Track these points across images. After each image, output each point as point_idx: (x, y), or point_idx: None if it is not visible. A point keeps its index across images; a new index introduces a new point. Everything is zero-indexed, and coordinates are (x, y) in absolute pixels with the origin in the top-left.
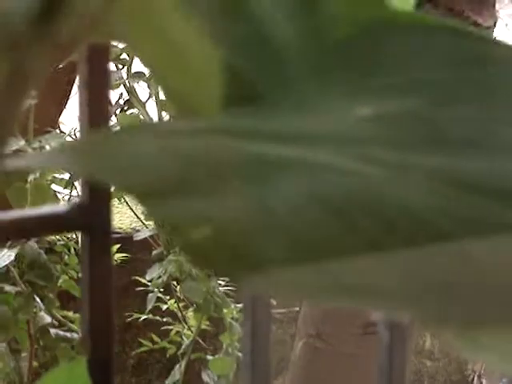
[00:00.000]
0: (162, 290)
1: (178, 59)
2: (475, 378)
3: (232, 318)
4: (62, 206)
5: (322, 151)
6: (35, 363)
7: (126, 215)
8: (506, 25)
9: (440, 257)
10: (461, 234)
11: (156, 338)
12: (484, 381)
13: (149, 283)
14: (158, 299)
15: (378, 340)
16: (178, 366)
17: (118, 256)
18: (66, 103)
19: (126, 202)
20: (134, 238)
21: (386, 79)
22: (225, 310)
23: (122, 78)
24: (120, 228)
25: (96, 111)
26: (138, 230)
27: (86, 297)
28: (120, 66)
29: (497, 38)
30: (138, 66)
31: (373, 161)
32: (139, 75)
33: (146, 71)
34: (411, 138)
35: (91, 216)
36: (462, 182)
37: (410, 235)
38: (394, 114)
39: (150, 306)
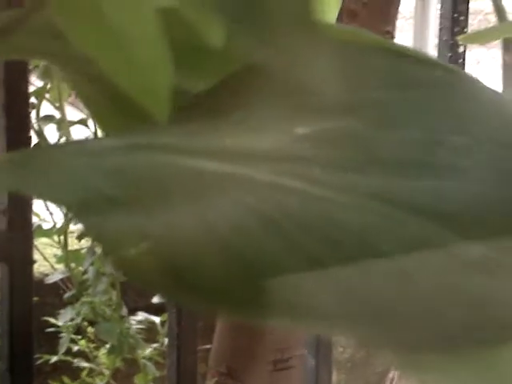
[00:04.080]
0: (72, 331)
1: (122, 48)
2: None
3: (144, 358)
4: None
5: (261, 169)
6: None
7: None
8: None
9: (378, 274)
10: (398, 252)
11: (67, 380)
12: None
13: (59, 325)
14: (70, 341)
15: (288, 375)
16: None
17: None
18: None
19: (34, 246)
20: (46, 282)
21: (321, 100)
22: (138, 351)
23: (31, 121)
24: None
25: (15, 138)
26: (46, 274)
27: (6, 330)
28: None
29: (431, 59)
30: (47, 109)
31: (312, 180)
32: (49, 118)
33: (56, 114)
34: (349, 158)
35: (11, 245)
36: (400, 202)
37: (349, 254)
38: (332, 134)
39: (63, 350)
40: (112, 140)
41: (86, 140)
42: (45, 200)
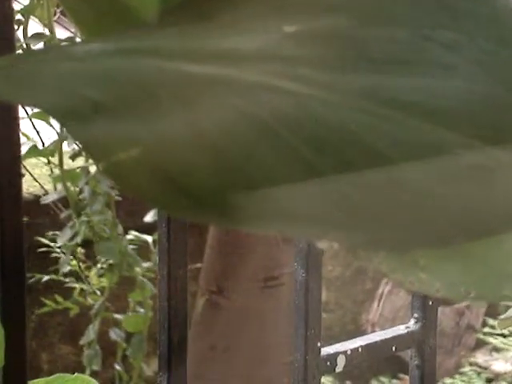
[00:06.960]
0: (63, 252)
1: None
2: (369, 327)
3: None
4: None
5: (250, 70)
6: None
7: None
8: None
9: (374, 180)
10: (394, 155)
11: (59, 299)
12: (377, 329)
13: (51, 244)
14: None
15: (278, 292)
16: (91, 325)
17: None
18: None
19: (23, 166)
20: (42, 202)
21: None
22: (136, 269)
23: (19, 40)
24: None
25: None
26: (36, 195)
27: None
28: (16, 27)
29: None
30: (34, 27)
31: (301, 80)
32: (38, 36)
33: (45, 31)
34: (338, 57)
35: None
36: (393, 101)
37: (344, 157)
38: (320, 33)
39: (63, 269)
40: (98, 44)
41: (71, 44)
42: (29, 106)
